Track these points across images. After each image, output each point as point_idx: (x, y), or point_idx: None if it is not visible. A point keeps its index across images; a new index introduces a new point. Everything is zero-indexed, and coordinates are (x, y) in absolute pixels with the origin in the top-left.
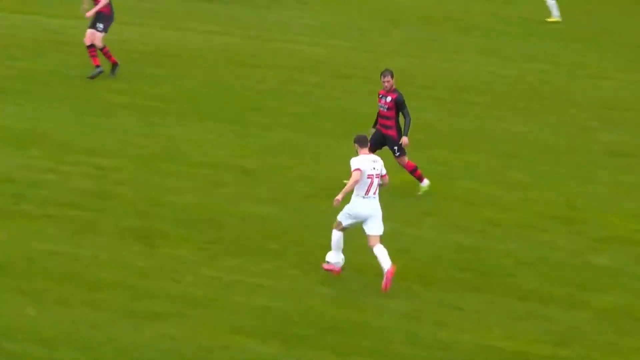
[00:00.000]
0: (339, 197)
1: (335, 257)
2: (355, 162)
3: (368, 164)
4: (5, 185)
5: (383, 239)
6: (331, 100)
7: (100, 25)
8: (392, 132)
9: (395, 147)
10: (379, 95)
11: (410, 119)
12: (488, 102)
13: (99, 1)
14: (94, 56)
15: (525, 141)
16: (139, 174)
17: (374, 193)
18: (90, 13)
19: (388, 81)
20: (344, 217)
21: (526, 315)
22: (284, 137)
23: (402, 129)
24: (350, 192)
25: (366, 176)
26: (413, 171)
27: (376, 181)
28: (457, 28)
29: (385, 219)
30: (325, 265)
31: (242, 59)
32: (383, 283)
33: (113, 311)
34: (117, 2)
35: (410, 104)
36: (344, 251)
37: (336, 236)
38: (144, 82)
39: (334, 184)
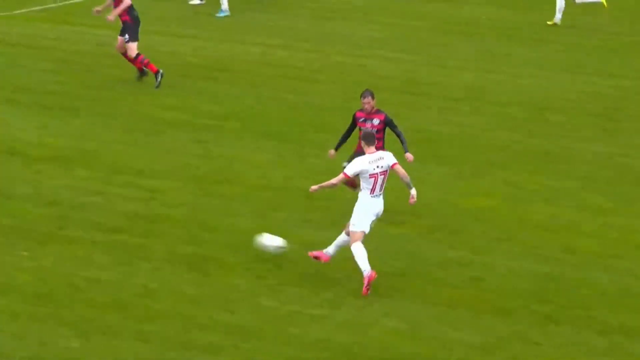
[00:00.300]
0: (315, 187)
1: (365, 265)
2: (350, 165)
3: (370, 165)
4: (49, 208)
5: (455, 267)
6: (399, 119)
7: (127, 37)
8: (380, 144)
9: None
10: (357, 118)
11: (403, 133)
12: (566, 120)
13: (118, 4)
14: (147, 64)
15: (606, 163)
16: (191, 197)
17: (380, 190)
18: (112, 17)
19: (368, 102)
20: (363, 221)
21: (609, 350)
22: (347, 157)
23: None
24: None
25: (368, 176)
26: None
27: (381, 178)
28: (532, 41)
29: (455, 246)
30: (364, 289)
31: (302, 74)
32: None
33: (163, 343)
34: (171, 13)
35: (483, 122)
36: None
37: (359, 248)
38: (197, 98)
39: (402, 208)
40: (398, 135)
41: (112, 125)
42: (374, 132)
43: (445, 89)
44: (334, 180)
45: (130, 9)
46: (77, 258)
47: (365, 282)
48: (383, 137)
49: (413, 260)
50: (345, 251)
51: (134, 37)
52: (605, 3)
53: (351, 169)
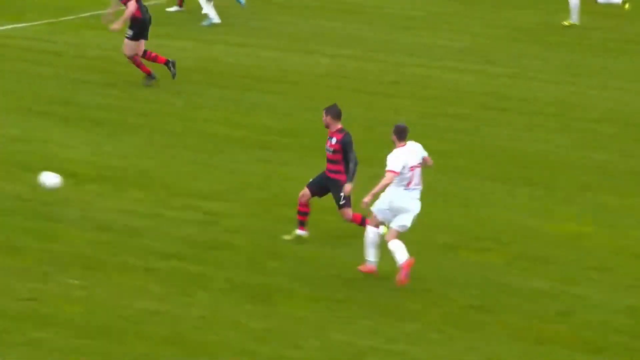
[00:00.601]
0: (367, 199)
1: (372, 256)
2: (392, 161)
3: (411, 156)
4: (101, 234)
5: (543, 299)
6: (481, 136)
7: (130, 32)
8: (340, 177)
9: (342, 195)
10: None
11: (356, 164)
12: None
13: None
14: (139, 65)
15: None
16: (255, 221)
17: (417, 184)
18: (118, 25)
19: (323, 117)
20: (380, 211)
21: None
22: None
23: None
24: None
25: (408, 169)
26: (362, 222)
27: (418, 171)
28: (625, 52)
29: (544, 276)
30: (362, 267)
31: (375, 87)
32: (398, 276)
33: None
34: (234, 21)
35: (573, 140)
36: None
37: (371, 234)
38: (261, 113)
39: (485, 234)
40: (347, 162)
41: (168, 142)
42: (402, 127)
43: (532, 104)
44: (383, 182)
45: (141, 6)
46: (131, 287)
47: (365, 270)
48: (340, 161)
49: (497, 291)
50: (422, 282)
51: (136, 35)
52: (626, 6)
53: (397, 163)
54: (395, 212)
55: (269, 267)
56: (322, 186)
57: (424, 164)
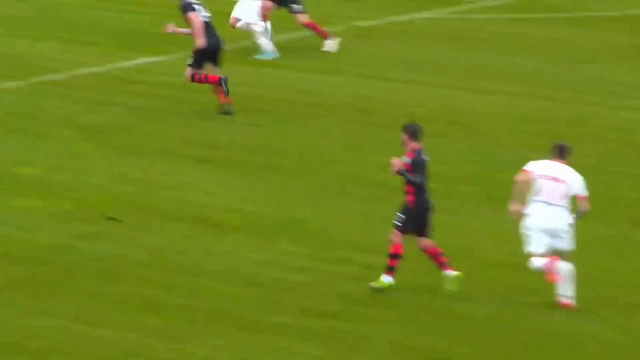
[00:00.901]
0: (513, 207)
1: (537, 262)
2: (532, 163)
3: (545, 167)
4: (250, 289)
5: None
6: None
7: (190, 60)
8: (409, 198)
9: (402, 216)
10: None
11: (418, 183)
12: None
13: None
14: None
15: None
16: (419, 276)
17: (550, 199)
18: (176, 30)
19: (401, 136)
20: (533, 238)
21: None
22: (603, 230)
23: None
24: None
25: (539, 177)
26: (395, 256)
27: (551, 185)
28: None
29: None
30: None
31: (551, 128)
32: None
33: None
34: (389, 56)
35: None
36: None
37: (537, 260)
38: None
39: None
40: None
41: (322, 188)
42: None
43: None
44: (517, 177)
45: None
46: (284, 349)
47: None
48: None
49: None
50: (606, 346)
51: (197, 63)
52: None
53: (531, 164)
54: (538, 230)
55: (437, 328)
56: None
57: (564, 189)
